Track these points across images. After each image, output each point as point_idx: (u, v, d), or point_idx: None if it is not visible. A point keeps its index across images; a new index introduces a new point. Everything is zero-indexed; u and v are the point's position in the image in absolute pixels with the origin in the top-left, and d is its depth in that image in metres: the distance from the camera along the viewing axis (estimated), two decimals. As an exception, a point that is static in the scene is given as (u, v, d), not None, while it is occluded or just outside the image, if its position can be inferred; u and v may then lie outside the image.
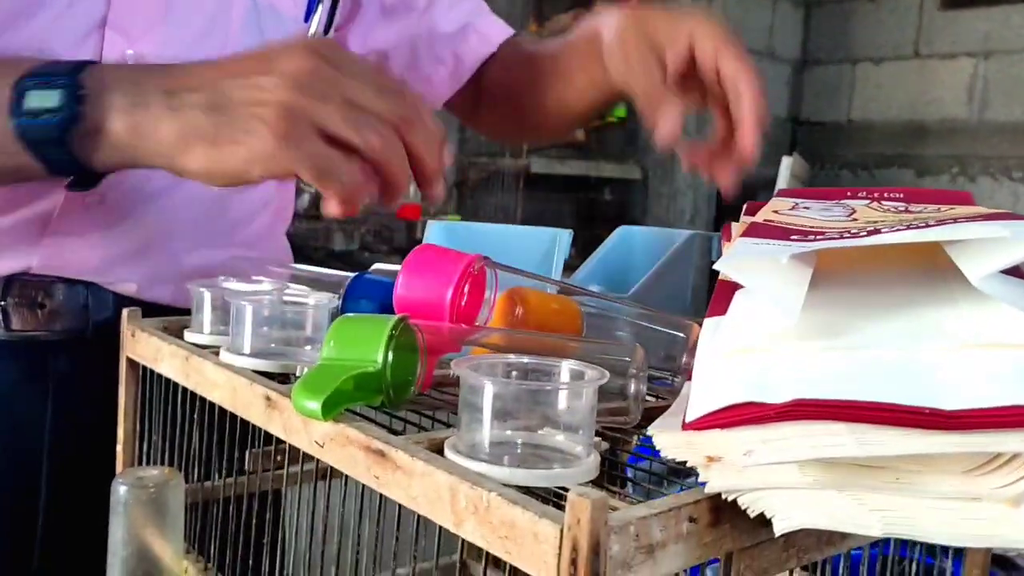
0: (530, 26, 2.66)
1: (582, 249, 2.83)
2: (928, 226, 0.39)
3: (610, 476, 0.49)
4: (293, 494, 0.58)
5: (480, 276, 0.51)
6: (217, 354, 0.54)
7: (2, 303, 0.71)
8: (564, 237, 0.62)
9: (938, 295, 0.35)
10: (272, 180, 0.53)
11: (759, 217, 0.48)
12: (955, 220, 0.39)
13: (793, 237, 0.41)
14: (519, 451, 0.39)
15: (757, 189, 3.25)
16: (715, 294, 0.40)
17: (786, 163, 2.77)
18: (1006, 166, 2.95)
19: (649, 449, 0.46)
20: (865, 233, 0.40)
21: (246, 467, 0.62)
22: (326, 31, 0.82)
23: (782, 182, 2.81)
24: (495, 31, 0.91)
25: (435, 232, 0.63)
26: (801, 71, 3.40)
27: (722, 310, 0.38)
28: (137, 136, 0.54)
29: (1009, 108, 2.93)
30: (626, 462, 0.52)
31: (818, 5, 3.36)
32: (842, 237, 0.40)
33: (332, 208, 0.52)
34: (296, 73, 0.51)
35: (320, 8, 0.79)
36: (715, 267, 0.34)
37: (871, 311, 0.35)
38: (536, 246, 0.64)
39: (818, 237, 0.41)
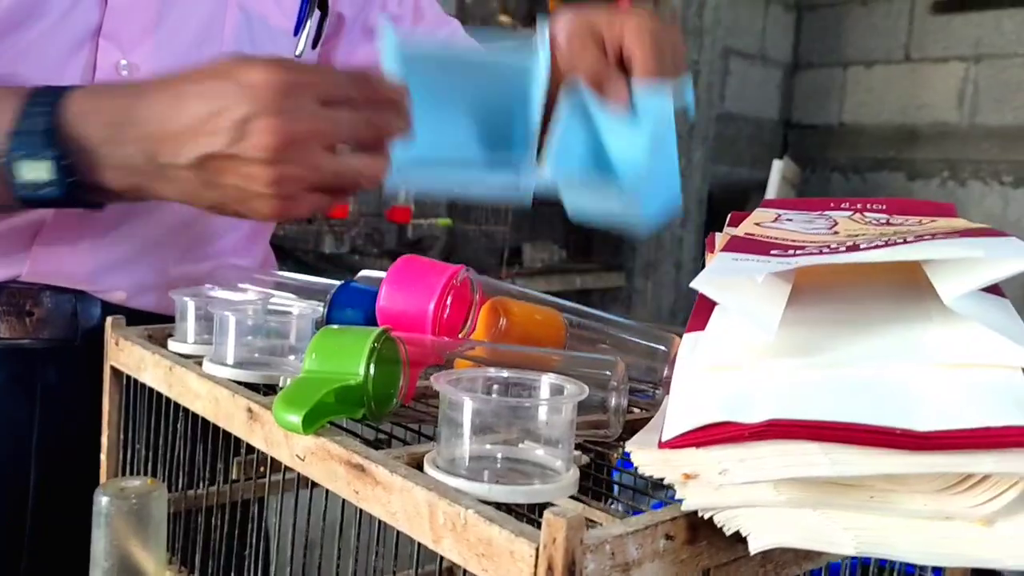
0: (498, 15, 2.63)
1: (574, 254, 2.82)
2: (906, 242, 0.39)
3: (593, 489, 0.49)
4: (277, 502, 0.58)
5: (463, 287, 0.51)
6: (201, 364, 0.54)
7: None
8: (543, 56, 0.60)
9: (914, 312, 0.35)
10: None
11: (740, 230, 0.48)
12: (933, 236, 0.39)
13: (773, 252, 0.41)
14: (498, 465, 0.39)
15: (749, 191, 3.26)
16: (695, 309, 0.40)
17: (777, 167, 2.78)
18: (996, 170, 2.97)
19: (631, 463, 0.46)
20: (844, 248, 0.40)
21: (231, 475, 0.62)
22: (314, 45, 0.83)
23: (773, 185, 2.82)
24: None
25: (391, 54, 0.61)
26: (792, 74, 3.41)
27: (701, 325, 0.38)
28: (140, 193, 0.59)
29: (999, 113, 2.94)
30: (609, 476, 0.52)
31: (810, 8, 3.37)
32: (821, 252, 0.40)
33: None
34: (270, 130, 0.54)
35: (309, 23, 0.80)
36: (693, 284, 0.34)
37: (847, 328, 0.35)
38: (507, 82, 0.62)
39: (798, 252, 0.41)
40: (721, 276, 0.34)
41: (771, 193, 2.80)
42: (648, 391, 0.49)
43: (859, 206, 0.58)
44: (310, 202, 0.57)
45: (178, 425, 0.59)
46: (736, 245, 0.42)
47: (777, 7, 3.29)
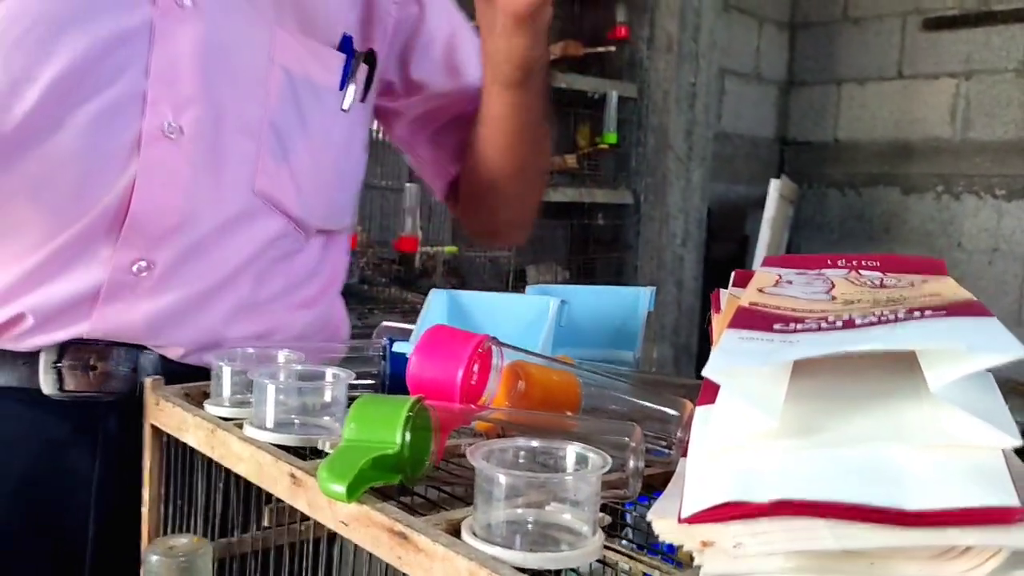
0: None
1: (577, 275, 2.86)
2: (897, 319, 0.43)
3: (608, 533, 0.52)
4: (311, 547, 0.61)
5: (487, 354, 0.55)
6: (240, 426, 0.57)
7: (57, 364, 0.75)
8: (554, 305, 0.67)
9: (906, 390, 0.39)
10: None
11: (745, 298, 0.51)
12: (922, 312, 0.43)
13: (776, 327, 0.44)
14: (530, 528, 0.43)
15: (747, 208, 3.28)
16: (706, 381, 0.44)
17: (775, 185, 2.82)
18: (989, 184, 3.01)
19: (645, 497, 0.50)
20: (841, 323, 0.44)
21: (265, 522, 0.66)
22: (363, 98, 0.86)
23: (771, 203, 2.86)
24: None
25: (436, 301, 0.68)
26: (787, 92, 3.46)
27: (711, 398, 0.42)
28: None
29: (991, 127, 2.99)
30: (623, 520, 0.55)
31: (803, 27, 3.42)
32: (820, 327, 0.44)
33: None
34: None
35: (353, 80, 0.83)
36: (704, 373, 0.38)
37: (844, 405, 0.39)
38: (526, 312, 0.69)
39: (797, 326, 0.45)
40: (729, 365, 0.38)
41: (769, 211, 2.84)
42: (662, 448, 0.53)
43: (854, 263, 0.62)
44: None
45: (219, 483, 0.62)
46: (741, 320, 0.46)
47: (771, 27, 3.35)
